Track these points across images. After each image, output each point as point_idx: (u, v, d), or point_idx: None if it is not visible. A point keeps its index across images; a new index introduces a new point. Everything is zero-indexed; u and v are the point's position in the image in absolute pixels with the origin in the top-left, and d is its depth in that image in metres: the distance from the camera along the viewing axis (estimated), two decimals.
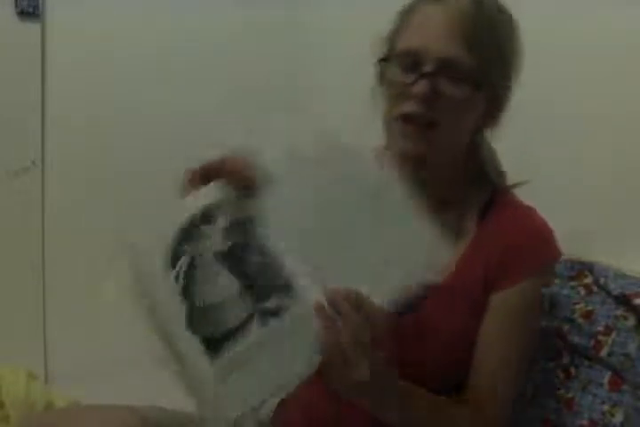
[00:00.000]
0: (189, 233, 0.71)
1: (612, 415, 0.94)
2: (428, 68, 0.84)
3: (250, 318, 0.68)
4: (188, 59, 1.88)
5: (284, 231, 0.71)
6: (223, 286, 0.69)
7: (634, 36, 1.25)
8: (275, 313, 0.68)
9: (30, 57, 1.74)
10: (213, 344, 0.67)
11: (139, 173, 1.81)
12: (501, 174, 0.96)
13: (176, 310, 0.69)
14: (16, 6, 1.69)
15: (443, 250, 0.72)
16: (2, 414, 0.86)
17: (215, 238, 0.70)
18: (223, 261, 0.70)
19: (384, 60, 0.91)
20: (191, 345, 0.67)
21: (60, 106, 1.78)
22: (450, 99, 0.84)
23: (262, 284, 0.69)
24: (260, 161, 0.73)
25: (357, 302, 0.67)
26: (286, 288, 0.69)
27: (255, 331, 0.67)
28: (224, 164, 0.74)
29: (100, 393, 0.84)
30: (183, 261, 0.70)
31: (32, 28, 1.73)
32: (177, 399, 0.86)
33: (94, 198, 1.82)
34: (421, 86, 0.83)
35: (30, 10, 1.71)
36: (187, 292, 0.69)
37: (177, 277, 0.70)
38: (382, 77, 0.92)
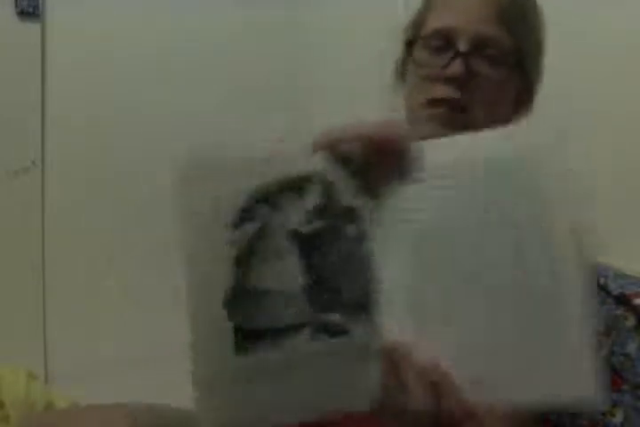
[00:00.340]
0: (270, 196, 0.55)
1: (613, 415, 0.94)
2: (462, 47, 0.78)
3: (303, 323, 0.54)
4: (188, 59, 1.89)
5: (402, 249, 0.55)
6: (286, 273, 0.54)
7: (634, 35, 1.25)
8: (331, 331, 0.54)
9: (30, 57, 1.74)
10: (246, 337, 0.54)
11: (139, 173, 1.81)
12: None
13: (218, 278, 0.54)
14: (16, 6, 1.70)
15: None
16: (2, 414, 0.86)
17: (298, 215, 0.55)
18: (297, 244, 0.55)
19: (411, 44, 0.84)
20: (218, 328, 0.54)
21: (60, 106, 1.78)
22: (485, 80, 0.77)
23: (335, 292, 0.55)
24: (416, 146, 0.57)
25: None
26: (363, 312, 0.55)
27: (303, 341, 0.54)
28: (374, 132, 0.57)
29: (100, 393, 0.84)
30: (252, 225, 0.54)
31: (32, 28, 1.73)
32: (177, 399, 0.86)
33: (94, 198, 1.82)
34: (456, 67, 0.77)
35: (30, 10, 1.71)
36: (240, 262, 0.54)
37: (235, 241, 0.54)
38: (405, 65, 0.85)
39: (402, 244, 0.56)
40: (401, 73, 0.87)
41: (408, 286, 0.55)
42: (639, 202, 1.26)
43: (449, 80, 0.78)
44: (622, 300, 0.98)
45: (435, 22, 0.82)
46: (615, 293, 0.99)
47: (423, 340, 0.53)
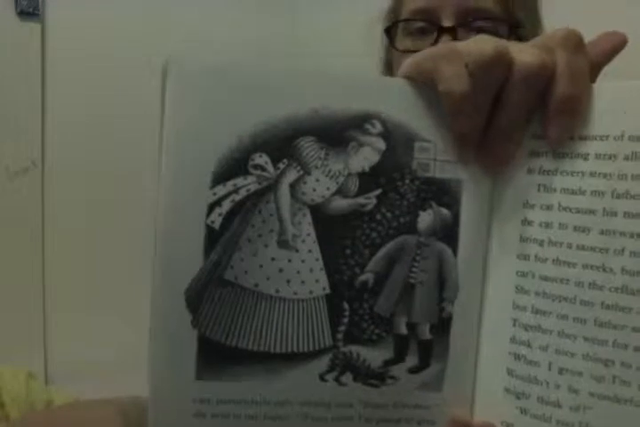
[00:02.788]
0: (290, 140, 0.34)
1: None
2: (446, 22, 0.72)
3: (318, 351, 0.35)
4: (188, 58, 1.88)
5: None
6: (292, 267, 0.34)
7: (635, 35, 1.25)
8: (359, 373, 0.35)
9: (30, 57, 1.73)
10: (217, 354, 0.35)
11: (139, 173, 1.81)
12: None
13: (186, 261, 0.34)
14: (16, 6, 1.69)
15: None
16: (2, 414, 0.86)
17: (332, 180, 0.34)
18: (319, 227, 0.35)
19: (390, 30, 0.79)
20: (178, 337, 0.34)
21: (60, 106, 1.78)
22: None
23: (376, 311, 0.35)
24: None
25: None
26: (423, 349, 0.36)
27: (311, 379, 0.35)
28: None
29: (100, 393, 0.84)
30: (245, 183, 0.34)
31: (32, 27, 1.73)
32: None
33: (94, 198, 1.82)
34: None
35: (30, 10, 1.71)
36: (219, 239, 0.34)
37: (214, 203, 0.34)
38: (391, 55, 0.79)
39: (522, 248, 0.35)
40: (388, 64, 0.83)
41: (514, 321, 0.36)
42: None
43: None
44: None
45: (411, 4, 0.78)
46: None
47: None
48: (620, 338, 0.33)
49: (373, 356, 0.35)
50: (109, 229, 1.84)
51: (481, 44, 0.33)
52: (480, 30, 0.71)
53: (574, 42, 0.33)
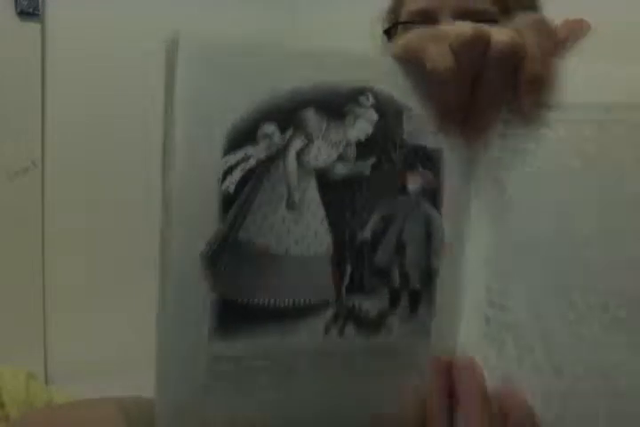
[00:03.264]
0: (295, 110, 0.37)
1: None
2: (445, 23, 0.72)
3: (324, 303, 0.38)
4: None
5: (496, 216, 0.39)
6: (299, 228, 0.37)
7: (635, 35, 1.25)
8: (361, 322, 0.38)
9: (30, 57, 1.74)
10: (233, 314, 0.36)
11: (139, 173, 1.81)
12: None
13: (202, 223, 0.35)
14: (16, 6, 1.70)
15: None
16: (2, 414, 0.86)
17: (333, 147, 0.37)
18: (324, 191, 0.38)
19: (390, 32, 0.80)
20: (192, 298, 0.35)
21: (60, 106, 1.78)
22: None
23: (376, 267, 0.38)
24: None
25: None
26: (413, 301, 0.39)
27: (320, 331, 0.37)
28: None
29: (100, 393, 0.84)
30: (255, 151, 0.36)
31: (32, 27, 1.73)
32: None
33: (94, 198, 1.82)
34: None
35: (30, 10, 1.71)
36: (232, 203, 0.36)
37: (227, 171, 0.35)
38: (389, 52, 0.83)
39: (499, 207, 0.39)
40: None
41: (490, 273, 0.39)
42: None
43: None
44: None
45: (412, 4, 0.79)
46: None
47: (496, 352, 0.39)
48: (587, 280, 0.36)
49: (372, 306, 0.39)
50: (109, 229, 1.84)
51: (462, 26, 0.38)
52: None
53: (543, 26, 0.39)
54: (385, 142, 0.39)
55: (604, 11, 1.32)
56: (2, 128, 1.72)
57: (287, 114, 0.36)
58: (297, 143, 0.37)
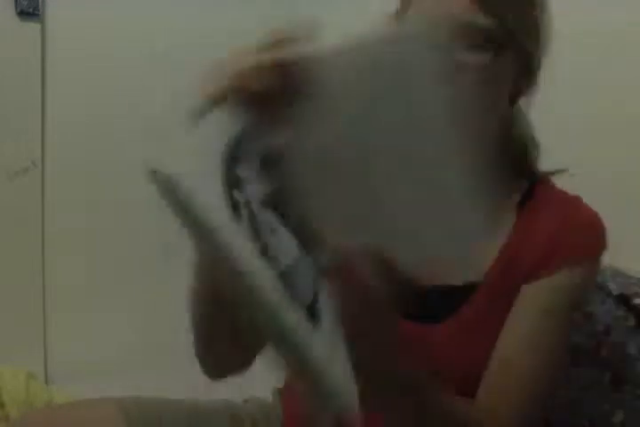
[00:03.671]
0: (229, 177, 0.47)
1: (613, 415, 0.93)
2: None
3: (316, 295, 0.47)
4: (188, 58, 1.88)
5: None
6: (285, 243, 0.47)
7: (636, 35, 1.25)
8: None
9: (30, 57, 1.74)
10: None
11: (139, 173, 1.81)
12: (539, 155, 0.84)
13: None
14: (16, 6, 1.70)
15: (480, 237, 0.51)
16: (2, 414, 0.86)
17: (257, 183, 0.48)
18: (273, 211, 0.47)
19: None
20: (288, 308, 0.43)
21: (60, 106, 1.78)
22: (469, 69, 0.68)
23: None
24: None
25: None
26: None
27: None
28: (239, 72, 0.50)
29: (100, 393, 0.84)
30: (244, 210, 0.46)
31: (32, 27, 1.73)
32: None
33: (94, 198, 1.82)
34: None
35: (30, 10, 1.71)
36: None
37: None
38: None
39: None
40: None
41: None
42: (639, 202, 1.26)
43: None
44: (622, 300, 0.98)
45: (419, 8, 0.75)
46: (615, 293, 0.99)
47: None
48: None
49: None
50: (109, 229, 1.84)
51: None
52: (470, 46, 0.70)
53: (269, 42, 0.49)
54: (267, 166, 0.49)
55: (604, 11, 1.33)
56: (2, 128, 1.72)
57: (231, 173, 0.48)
58: (246, 190, 0.47)
